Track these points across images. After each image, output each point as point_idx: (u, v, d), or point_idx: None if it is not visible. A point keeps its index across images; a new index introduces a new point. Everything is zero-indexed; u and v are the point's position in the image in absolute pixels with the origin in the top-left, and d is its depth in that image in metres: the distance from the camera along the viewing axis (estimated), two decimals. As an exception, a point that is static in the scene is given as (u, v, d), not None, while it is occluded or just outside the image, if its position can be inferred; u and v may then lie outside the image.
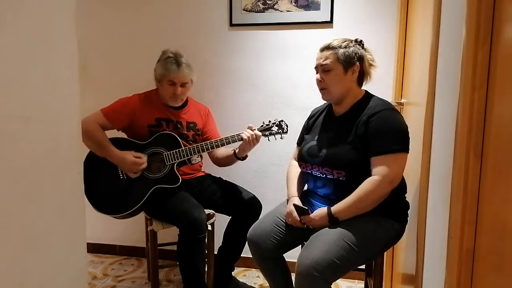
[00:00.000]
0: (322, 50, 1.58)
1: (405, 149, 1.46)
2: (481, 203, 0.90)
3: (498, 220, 0.81)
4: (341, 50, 1.54)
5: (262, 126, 1.93)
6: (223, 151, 2.08)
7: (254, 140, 1.88)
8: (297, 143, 1.82)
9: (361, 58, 1.56)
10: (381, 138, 1.45)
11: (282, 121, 1.93)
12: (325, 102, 1.77)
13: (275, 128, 1.92)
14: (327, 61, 1.54)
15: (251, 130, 1.89)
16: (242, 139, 1.88)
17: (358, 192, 1.44)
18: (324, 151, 1.55)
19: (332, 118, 1.65)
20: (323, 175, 1.55)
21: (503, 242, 0.79)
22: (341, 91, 1.56)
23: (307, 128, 1.76)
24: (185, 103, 2.11)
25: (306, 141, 1.68)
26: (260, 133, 1.89)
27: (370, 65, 1.60)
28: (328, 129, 1.63)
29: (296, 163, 1.74)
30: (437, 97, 1.25)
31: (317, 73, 1.60)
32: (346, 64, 1.54)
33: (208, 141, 1.95)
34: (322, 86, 1.58)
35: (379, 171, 1.43)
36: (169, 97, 2.01)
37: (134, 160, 1.88)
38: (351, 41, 1.58)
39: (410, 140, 1.49)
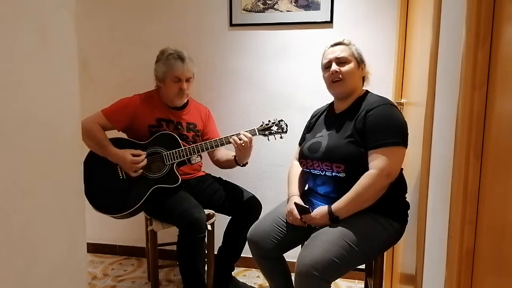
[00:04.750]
0: (335, 45, 1.63)
1: (403, 143, 1.46)
2: (481, 203, 0.90)
3: (498, 220, 0.81)
4: (354, 47, 1.62)
5: (261, 125, 1.92)
6: (224, 155, 2.08)
7: (245, 146, 1.85)
8: (299, 143, 1.82)
9: (363, 61, 1.64)
10: (378, 132, 1.46)
11: (281, 120, 1.93)
12: (326, 103, 1.79)
13: (274, 128, 1.91)
14: (344, 54, 1.59)
15: (239, 138, 1.85)
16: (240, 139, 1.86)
17: (356, 187, 1.44)
18: (324, 146, 1.56)
19: (333, 116, 1.67)
20: (322, 172, 1.55)
21: (503, 242, 0.79)
22: (353, 84, 1.60)
23: (309, 128, 1.78)
24: (186, 104, 2.11)
25: (307, 140, 1.69)
26: (247, 139, 1.84)
27: (367, 71, 1.67)
28: (329, 126, 1.64)
29: (298, 163, 1.74)
30: (437, 97, 1.25)
31: (328, 68, 1.61)
32: (358, 60, 1.61)
33: (207, 141, 1.95)
34: (339, 77, 1.59)
35: (375, 165, 1.43)
36: (175, 95, 2.01)
37: (132, 159, 1.88)
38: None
39: (410, 139, 1.48)
